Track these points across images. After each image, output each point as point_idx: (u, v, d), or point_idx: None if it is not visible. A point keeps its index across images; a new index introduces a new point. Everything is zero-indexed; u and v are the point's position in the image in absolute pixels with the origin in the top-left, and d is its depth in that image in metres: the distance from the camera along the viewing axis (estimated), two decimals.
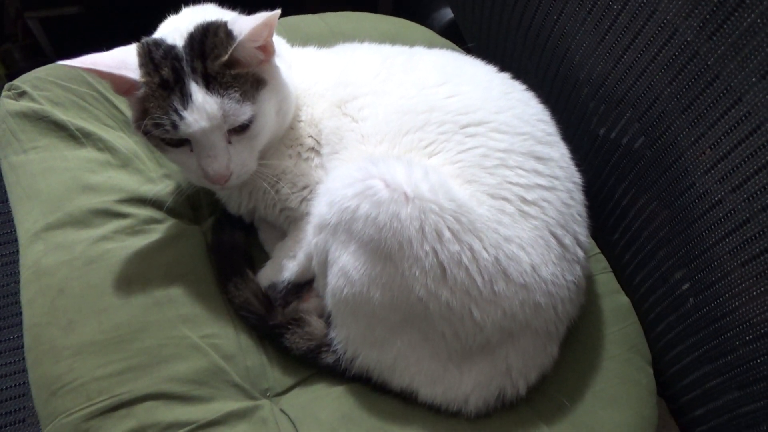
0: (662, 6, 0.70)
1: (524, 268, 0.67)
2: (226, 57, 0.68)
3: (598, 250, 0.94)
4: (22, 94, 0.91)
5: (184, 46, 0.69)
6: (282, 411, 0.75)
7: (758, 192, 0.63)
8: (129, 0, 1.50)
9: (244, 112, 0.70)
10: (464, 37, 1.26)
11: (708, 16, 0.64)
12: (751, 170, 0.63)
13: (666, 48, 0.71)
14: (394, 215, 0.64)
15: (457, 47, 1.16)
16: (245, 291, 0.80)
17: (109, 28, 1.20)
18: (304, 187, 0.82)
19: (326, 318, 0.76)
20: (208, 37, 0.69)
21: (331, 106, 0.82)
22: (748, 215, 0.64)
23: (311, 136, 0.82)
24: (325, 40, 0.94)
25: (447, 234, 0.65)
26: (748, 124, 0.62)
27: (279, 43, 0.82)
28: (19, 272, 0.79)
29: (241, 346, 0.78)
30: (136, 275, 0.78)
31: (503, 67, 0.86)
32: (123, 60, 0.69)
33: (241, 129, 0.71)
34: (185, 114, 0.67)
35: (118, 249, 0.79)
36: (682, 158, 0.72)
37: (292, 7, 0.96)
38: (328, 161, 0.81)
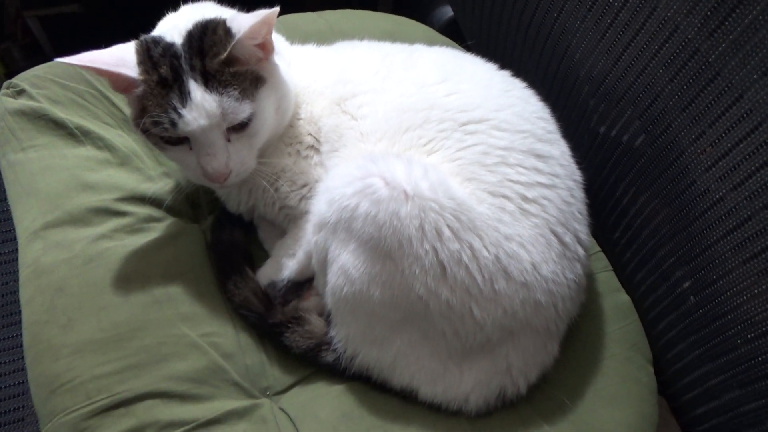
0: (663, 3, 0.70)
1: (525, 267, 0.67)
2: (224, 55, 0.68)
3: (598, 249, 0.94)
4: (20, 93, 0.91)
5: (183, 44, 0.69)
6: (282, 410, 0.75)
7: (759, 190, 0.62)
8: None
9: (243, 110, 0.69)
10: (464, 34, 1.25)
11: (709, 13, 0.64)
12: (752, 168, 0.63)
13: (667, 45, 0.71)
14: (394, 213, 0.64)
15: (457, 45, 1.16)
16: (245, 289, 0.79)
17: (108, 26, 1.20)
18: (304, 185, 0.81)
19: (326, 316, 0.76)
20: (206, 35, 0.69)
21: (331, 103, 0.81)
22: (749, 213, 0.64)
23: (310, 134, 0.82)
24: (324, 38, 0.94)
25: (447, 232, 0.65)
26: (749, 122, 0.62)
27: (278, 40, 0.82)
28: (18, 271, 0.79)
29: (240, 345, 0.78)
30: (135, 274, 0.78)
31: (503, 65, 0.86)
32: (121, 57, 0.69)
33: (240, 127, 0.71)
34: (184, 112, 0.67)
35: (117, 247, 0.79)
36: (683, 156, 0.72)
37: (292, 5, 0.96)
38: (328, 159, 0.81)
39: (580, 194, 0.78)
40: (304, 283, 0.83)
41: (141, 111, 0.69)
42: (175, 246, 0.83)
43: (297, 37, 0.92)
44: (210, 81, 0.68)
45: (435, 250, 0.64)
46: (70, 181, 0.84)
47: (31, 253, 0.78)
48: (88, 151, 0.88)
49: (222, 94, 0.68)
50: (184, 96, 0.67)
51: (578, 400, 0.77)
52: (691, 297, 0.76)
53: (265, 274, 0.84)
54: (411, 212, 0.64)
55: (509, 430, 0.74)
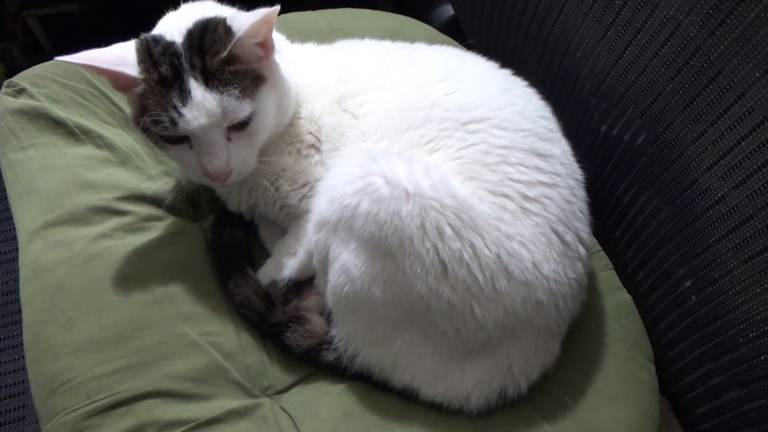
0: (664, 1, 0.70)
1: (526, 266, 0.67)
2: (225, 53, 0.68)
3: (599, 248, 0.94)
4: (20, 91, 0.91)
5: (183, 43, 0.69)
6: (282, 409, 0.75)
7: (761, 189, 0.62)
8: None
9: (244, 108, 0.69)
10: (465, 33, 1.25)
11: (710, 12, 0.64)
12: (754, 167, 0.63)
13: (668, 44, 0.70)
14: (395, 212, 0.64)
15: (457, 44, 1.16)
16: (245, 289, 0.79)
17: (108, 25, 1.20)
18: (304, 184, 0.81)
19: (327, 316, 0.76)
20: (207, 34, 0.69)
21: (331, 102, 0.81)
22: (750, 212, 0.64)
23: (311, 133, 0.82)
24: (325, 37, 0.94)
25: (448, 231, 0.64)
26: (751, 120, 0.62)
27: (278, 39, 0.81)
28: (18, 270, 0.79)
29: (241, 344, 0.78)
30: (135, 273, 0.77)
31: (504, 64, 0.86)
32: (121, 56, 0.68)
33: (241, 126, 0.71)
34: (184, 111, 0.67)
35: (117, 246, 0.79)
36: (685, 155, 0.72)
37: (292, 4, 0.96)
38: (328, 158, 0.80)
39: (581, 193, 0.78)
40: (305, 283, 0.83)
41: (141, 110, 0.69)
42: (175, 245, 0.82)
43: (297, 35, 0.92)
44: (210, 80, 0.68)
45: (436, 249, 0.64)
46: (71, 180, 0.84)
47: (31, 252, 0.78)
48: (88, 150, 0.88)
49: (222, 92, 0.68)
50: (185, 95, 0.67)
51: (579, 399, 0.77)
52: (693, 296, 0.76)
53: (265, 273, 0.84)
54: (412, 211, 0.64)
55: (511, 430, 0.74)
